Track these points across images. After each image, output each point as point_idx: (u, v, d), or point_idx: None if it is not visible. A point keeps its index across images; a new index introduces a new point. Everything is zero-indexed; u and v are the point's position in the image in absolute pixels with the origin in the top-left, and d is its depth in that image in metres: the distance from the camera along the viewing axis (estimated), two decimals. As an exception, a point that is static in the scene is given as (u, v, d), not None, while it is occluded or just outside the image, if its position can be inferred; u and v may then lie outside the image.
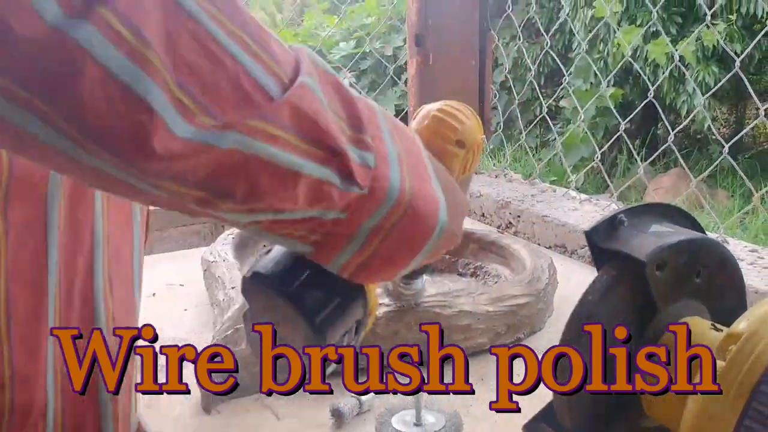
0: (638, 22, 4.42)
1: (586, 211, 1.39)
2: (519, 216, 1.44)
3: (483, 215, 1.52)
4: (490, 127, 1.69)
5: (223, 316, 0.96)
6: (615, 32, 4.22)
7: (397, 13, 6.49)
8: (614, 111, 1.97)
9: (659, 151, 1.71)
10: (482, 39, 1.59)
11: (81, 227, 0.57)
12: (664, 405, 0.59)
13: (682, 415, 0.54)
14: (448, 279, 1.21)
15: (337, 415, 0.84)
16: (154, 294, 1.17)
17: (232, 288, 1.03)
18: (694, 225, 0.63)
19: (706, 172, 1.52)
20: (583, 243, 1.31)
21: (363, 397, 0.86)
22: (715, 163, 1.59)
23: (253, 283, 0.53)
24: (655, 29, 4.07)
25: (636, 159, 5.34)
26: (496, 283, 1.14)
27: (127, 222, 0.63)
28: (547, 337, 1.05)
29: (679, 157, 1.42)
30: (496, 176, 1.65)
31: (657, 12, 3.45)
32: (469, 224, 1.42)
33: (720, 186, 4.75)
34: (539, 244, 1.38)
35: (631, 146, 2.02)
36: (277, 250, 0.53)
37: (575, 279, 1.21)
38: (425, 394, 0.84)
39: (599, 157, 1.49)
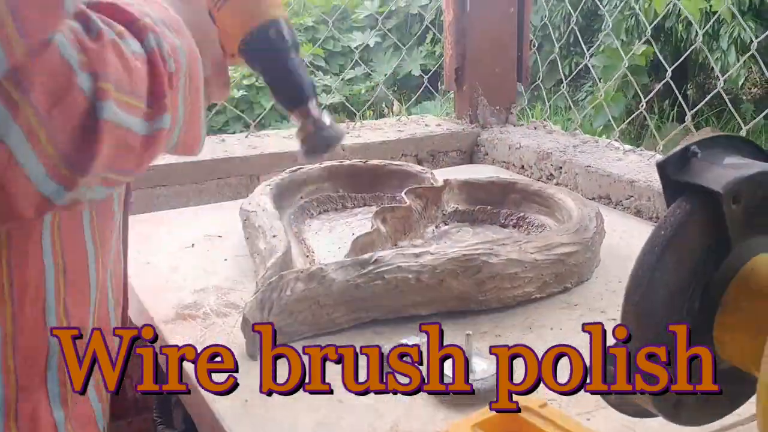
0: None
1: (631, 161, 1.36)
2: (561, 167, 1.40)
3: (522, 167, 1.49)
4: (528, 80, 1.65)
5: (265, 264, 0.94)
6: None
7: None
8: (646, 70, 1.91)
9: (697, 107, 1.65)
10: (521, -16, 1.55)
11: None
12: (740, 345, 0.56)
13: (761, 356, 0.51)
14: (490, 230, 1.19)
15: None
16: (193, 245, 1.15)
17: (274, 236, 1.01)
18: (768, 159, 0.60)
19: (744, 129, 1.46)
20: (629, 194, 1.28)
21: (410, 343, 0.84)
22: (750, 123, 1.52)
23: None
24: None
25: (666, 118, 5.25)
26: (540, 233, 1.11)
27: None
28: (596, 288, 1.02)
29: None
30: (535, 128, 1.62)
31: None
32: (508, 176, 1.39)
33: (754, 145, 4.64)
34: (583, 196, 1.34)
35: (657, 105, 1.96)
36: None
37: (621, 230, 1.18)
38: (473, 341, 0.82)
39: (644, 106, 1.44)
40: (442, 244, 1.09)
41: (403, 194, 1.15)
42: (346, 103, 2.30)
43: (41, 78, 0.42)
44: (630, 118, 1.86)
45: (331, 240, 1.15)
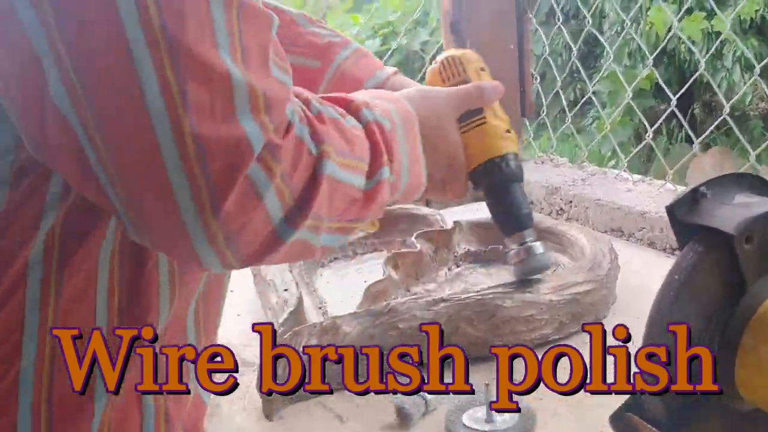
0: (671, 0, 4.32)
1: (641, 192, 1.35)
2: (571, 201, 1.39)
3: (531, 203, 1.48)
4: (533, 113, 1.65)
5: (278, 319, 0.94)
6: (647, 11, 4.13)
7: (422, 7, 6.45)
8: (651, 93, 1.90)
9: (711, 128, 1.64)
10: (520, 22, 1.55)
11: None
12: (762, 387, 0.55)
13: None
14: (503, 270, 1.18)
15: (403, 415, 0.81)
16: (205, 301, 1.14)
17: (285, 290, 1.01)
18: (780, 194, 0.59)
19: (761, 147, 1.45)
20: (641, 225, 1.26)
21: (428, 395, 0.83)
22: (759, 148, 1.49)
23: None
24: (689, 5, 3.98)
25: (675, 140, 5.23)
26: (554, 271, 1.10)
27: None
28: (613, 324, 1.00)
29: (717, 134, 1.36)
30: (542, 162, 1.61)
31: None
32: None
33: (764, 162, 4.63)
34: (594, 229, 1.33)
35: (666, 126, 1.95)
36: None
37: (635, 264, 1.17)
38: (494, 390, 0.80)
39: (650, 135, 1.44)
40: (455, 287, 1.08)
41: (413, 239, 1.15)
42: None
43: (286, 150, 0.53)
44: (638, 149, 1.84)
45: (343, 289, 1.14)
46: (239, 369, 0.94)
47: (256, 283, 1.11)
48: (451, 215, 1.31)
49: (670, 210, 0.57)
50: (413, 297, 0.95)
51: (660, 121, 1.61)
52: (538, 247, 0.93)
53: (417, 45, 5.74)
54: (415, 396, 0.83)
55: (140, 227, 0.52)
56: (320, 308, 1.07)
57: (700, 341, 0.56)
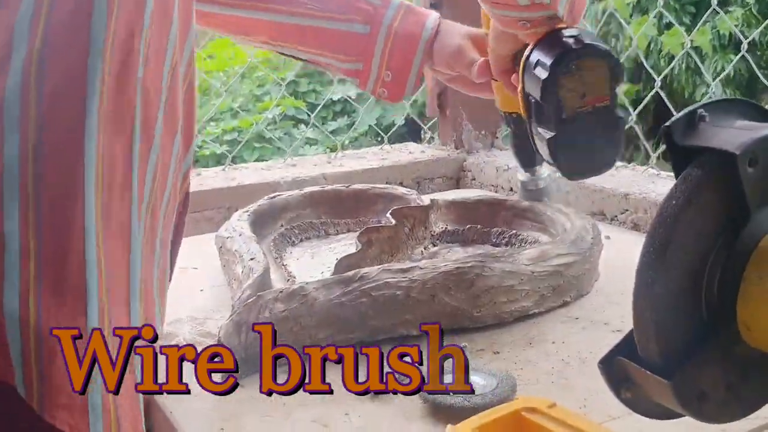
0: (651, 14, 4.34)
1: (624, 176, 1.31)
2: (551, 186, 1.35)
3: (512, 189, 1.43)
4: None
5: (242, 286, 0.88)
6: (627, 25, 4.13)
7: None
8: (629, 108, 1.87)
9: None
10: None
11: None
12: (767, 326, 0.50)
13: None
14: (482, 249, 1.13)
15: (375, 382, 0.75)
16: (167, 277, 1.08)
17: (251, 259, 0.95)
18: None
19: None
20: (624, 207, 1.22)
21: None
22: None
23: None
24: (668, 20, 3.99)
25: (651, 155, 5.23)
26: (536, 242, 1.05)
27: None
28: (597, 301, 0.96)
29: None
30: (523, 150, 1.57)
31: (669, 1, 3.37)
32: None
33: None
34: (576, 213, 1.29)
35: (646, 143, 1.92)
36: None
37: (618, 244, 1.12)
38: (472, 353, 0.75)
39: (633, 119, 1.40)
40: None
41: (388, 215, 1.09)
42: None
43: None
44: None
45: (314, 265, 1.08)
46: (200, 339, 0.88)
47: (221, 256, 1.05)
48: (426, 198, 1.26)
49: (667, 131, 0.52)
50: (387, 266, 0.89)
51: (636, 121, 1.57)
52: (550, 178, 1.09)
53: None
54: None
55: None
56: (288, 280, 1.01)
57: (698, 278, 0.51)
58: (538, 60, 0.80)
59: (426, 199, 1.19)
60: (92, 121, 0.51)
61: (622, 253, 1.09)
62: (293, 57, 1.08)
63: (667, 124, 0.52)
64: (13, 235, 0.49)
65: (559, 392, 0.74)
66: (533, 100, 0.83)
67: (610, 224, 1.24)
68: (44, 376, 0.49)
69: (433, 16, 1.03)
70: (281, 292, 0.82)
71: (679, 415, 0.54)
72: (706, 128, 0.52)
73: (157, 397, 0.76)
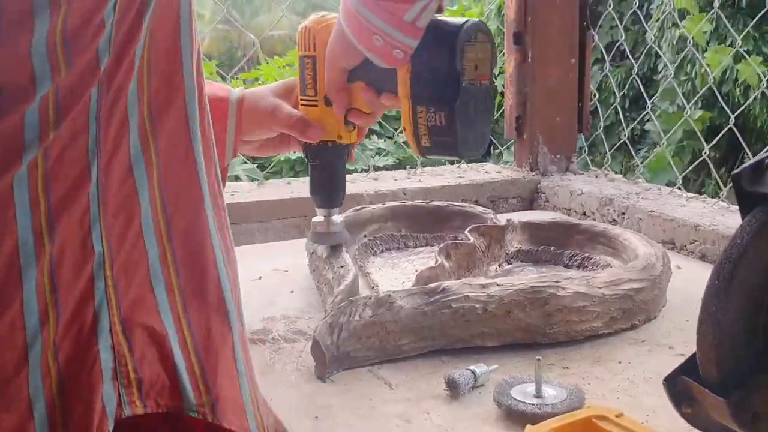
0: (728, 42, 4.31)
1: (694, 208, 1.35)
2: (624, 213, 1.40)
3: (584, 213, 1.49)
4: (589, 125, 1.66)
5: (334, 292, 0.96)
6: (704, 52, 4.12)
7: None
8: (699, 135, 1.90)
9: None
10: (582, 36, 1.57)
11: None
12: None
13: None
14: (554, 270, 1.19)
15: (453, 386, 0.83)
16: (260, 278, 1.18)
17: (341, 267, 1.03)
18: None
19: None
20: (693, 238, 1.27)
21: (478, 370, 0.85)
22: None
23: None
24: (746, 49, 3.96)
25: (725, 185, 5.17)
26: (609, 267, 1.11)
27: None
28: (663, 326, 1.01)
29: None
30: (597, 176, 1.62)
31: (749, 30, 3.36)
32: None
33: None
34: (645, 241, 1.34)
35: (716, 172, 1.96)
36: None
37: (686, 273, 1.18)
38: (544, 365, 0.82)
39: (680, 182, 1.45)
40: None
41: (466, 232, 1.17)
42: (400, 167, 2.34)
43: None
44: (690, 167, 1.84)
45: (395, 275, 1.16)
46: (293, 336, 0.97)
47: (310, 262, 1.14)
48: (502, 217, 1.33)
49: (736, 178, 0.58)
50: (467, 280, 0.96)
51: (700, 160, 1.61)
52: (341, 224, 0.99)
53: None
54: (464, 370, 0.84)
55: None
56: (373, 288, 1.09)
57: (758, 311, 0.57)
58: (437, 37, 0.76)
59: (502, 219, 1.26)
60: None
61: (690, 282, 1.14)
62: None
63: (736, 171, 0.58)
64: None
65: (624, 408, 0.79)
66: (428, 77, 0.78)
67: (679, 253, 1.29)
68: (211, 390, 0.54)
69: (237, 88, 0.95)
70: (370, 298, 0.90)
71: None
72: (772, 176, 0.58)
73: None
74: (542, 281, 0.95)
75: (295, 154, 4.93)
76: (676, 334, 0.98)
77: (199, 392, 0.55)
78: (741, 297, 0.56)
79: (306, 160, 0.95)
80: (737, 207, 0.60)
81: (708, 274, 0.58)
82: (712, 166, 1.89)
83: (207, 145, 0.59)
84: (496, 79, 0.86)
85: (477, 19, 0.77)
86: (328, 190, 0.95)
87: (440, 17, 0.76)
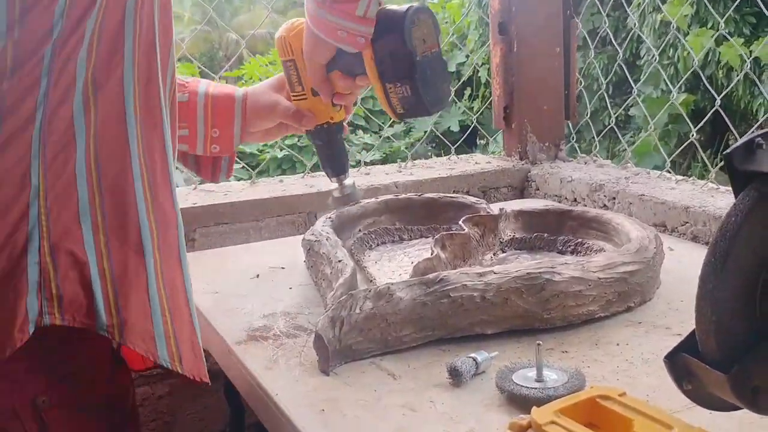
0: (709, 25, 4.35)
1: (684, 190, 1.37)
2: (614, 198, 1.42)
3: (575, 200, 1.50)
4: (576, 112, 1.68)
5: (333, 286, 0.97)
6: (685, 36, 4.15)
7: (458, 30, 6.52)
8: (686, 118, 1.92)
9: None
10: (566, 25, 1.59)
11: None
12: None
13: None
14: (548, 257, 1.20)
15: (455, 374, 0.84)
16: (258, 275, 1.19)
17: (339, 261, 1.04)
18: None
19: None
20: (684, 220, 1.29)
21: (479, 358, 0.86)
22: None
23: None
24: (727, 31, 3.99)
25: (710, 167, 5.21)
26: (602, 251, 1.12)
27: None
28: (658, 307, 1.02)
29: None
30: (586, 162, 1.64)
31: (730, 13, 3.38)
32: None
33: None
34: (637, 224, 1.35)
35: (703, 154, 1.98)
36: None
37: (679, 254, 1.19)
38: (544, 350, 0.83)
39: (669, 165, 1.46)
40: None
41: (460, 222, 1.18)
42: (387, 161, 2.35)
43: None
44: (679, 150, 1.86)
45: (391, 268, 1.17)
46: (294, 332, 0.98)
47: (308, 258, 1.15)
48: (496, 207, 1.34)
49: (728, 158, 0.59)
50: (464, 270, 0.97)
51: (687, 143, 1.63)
52: (354, 185, 1.11)
53: (453, 66, 5.81)
54: (466, 357, 0.85)
55: None
56: (370, 281, 1.10)
57: (753, 288, 0.59)
58: (388, 26, 0.92)
59: (495, 208, 1.27)
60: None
61: (683, 263, 1.16)
62: None
63: (728, 151, 0.59)
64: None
65: (624, 388, 0.81)
66: (388, 59, 0.93)
67: (671, 235, 1.31)
68: (121, 313, 0.66)
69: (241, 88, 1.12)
70: (370, 291, 0.91)
71: (735, 407, 0.61)
72: (763, 154, 0.59)
73: (261, 380, 0.85)
74: (538, 268, 0.96)
75: (282, 152, 4.99)
76: (672, 315, 0.99)
77: (111, 315, 0.66)
78: (737, 273, 0.58)
79: (310, 141, 1.11)
80: (726, 188, 0.62)
81: (700, 255, 0.59)
82: (699, 149, 1.91)
83: (151, 114, 0.73)
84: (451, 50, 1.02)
85: (416, 4, 0.94)
86: (334, 161, 1.10)
87: (388, 7, 0.92)
